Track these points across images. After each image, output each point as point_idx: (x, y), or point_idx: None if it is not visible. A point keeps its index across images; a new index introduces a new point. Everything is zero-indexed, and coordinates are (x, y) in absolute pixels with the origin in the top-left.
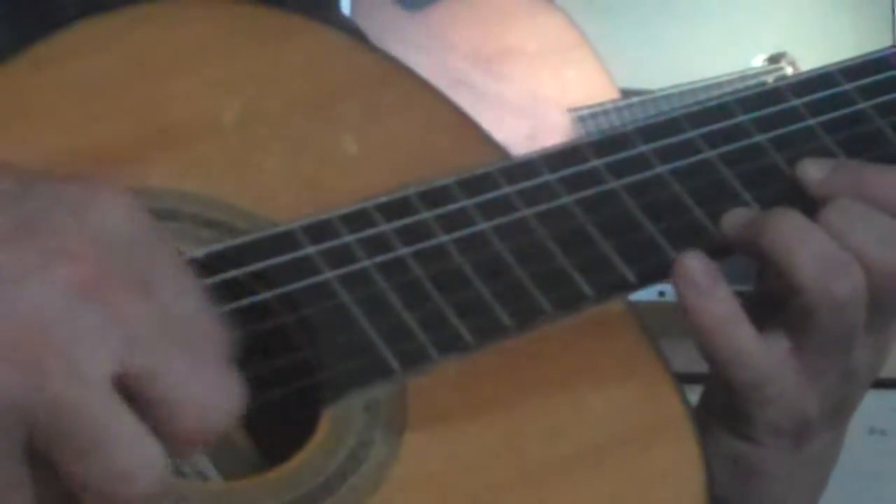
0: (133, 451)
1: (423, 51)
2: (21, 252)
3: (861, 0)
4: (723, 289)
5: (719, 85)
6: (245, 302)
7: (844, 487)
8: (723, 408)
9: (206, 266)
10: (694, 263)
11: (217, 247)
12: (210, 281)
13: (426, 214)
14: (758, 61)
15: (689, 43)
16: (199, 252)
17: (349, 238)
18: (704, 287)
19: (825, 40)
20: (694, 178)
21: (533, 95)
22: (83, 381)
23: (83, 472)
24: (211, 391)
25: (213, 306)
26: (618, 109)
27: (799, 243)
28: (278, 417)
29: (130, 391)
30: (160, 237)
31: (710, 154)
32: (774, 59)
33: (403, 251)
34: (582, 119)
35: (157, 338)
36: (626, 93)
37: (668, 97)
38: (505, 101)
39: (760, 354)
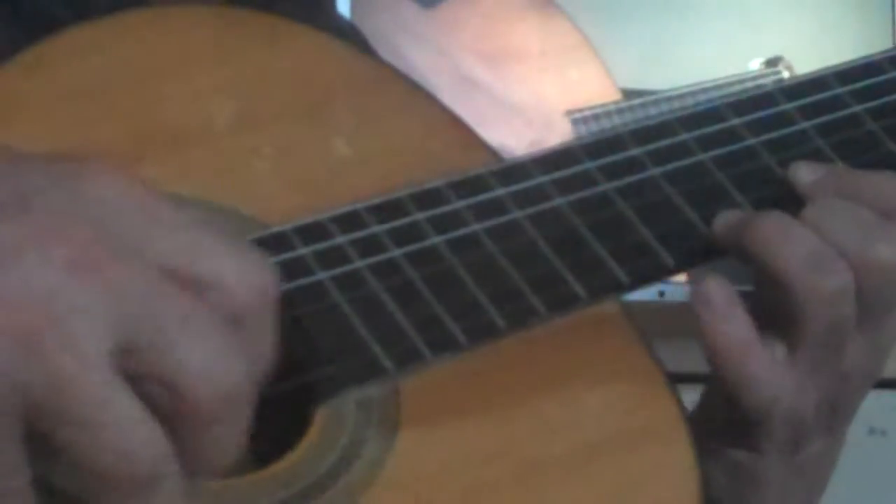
0: (131, 428)
1: (436, 49)
2: (16, 229)
3: (861, 3)
4: (740, 314)
5: (718, 87)
6: None
7: (844, 487)
8: (724, 421)
9: None
10: (713, 287)
11: None
12: None
13: (418, 216)
14: (755, 65)
15: (688, 44)
16: None
17: (341, 239)
18: (722, 311)
19: (825, 43)
20: (687, 181)
21: (542, 103)
22: (80, 356)
23: (80, 449)
24: (213, 354)
25: (228, 239)
26: (619, 111)
27: (783, 241)
28: (271, 417)
29: (133, 371)
30: (155, 202)
31: (703, 157)
32: (772, 62)
33: (396, 252)
34: (584, 120)
35: (154, 310)
36: (626, 93)
37: (668, 99)
38: (514, 105)
39: (773, 380)
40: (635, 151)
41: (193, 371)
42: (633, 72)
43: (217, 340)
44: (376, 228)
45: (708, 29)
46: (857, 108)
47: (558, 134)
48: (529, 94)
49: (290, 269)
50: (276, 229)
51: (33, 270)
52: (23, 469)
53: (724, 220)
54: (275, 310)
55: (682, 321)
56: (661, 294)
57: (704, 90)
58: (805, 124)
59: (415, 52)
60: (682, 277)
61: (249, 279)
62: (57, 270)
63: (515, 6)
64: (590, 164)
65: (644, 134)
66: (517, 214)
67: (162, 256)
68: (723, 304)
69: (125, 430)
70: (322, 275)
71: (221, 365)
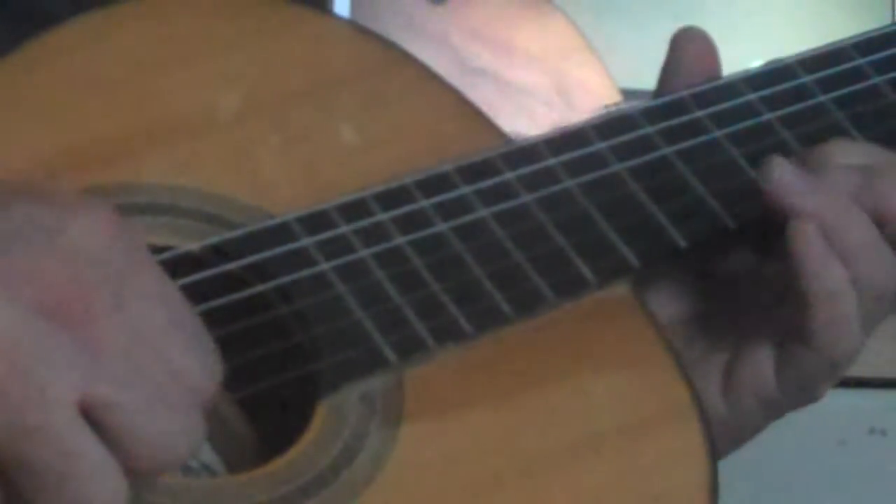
0: (97, 481)
1: (438, 41)
2: None
3: (861, 4)
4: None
5: None
6: (241, 295)
7: (844, 487)
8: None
9: (201, 259)
10: (784, 171)
11: (213, 240)
12: (205, 274)
13: (424, 202)
14: (755, 66)
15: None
16: (195, 245)
17: (345, 228)
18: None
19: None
20: (700, 158)
21: (560, 83)
22: (48, 407)
23: (46, 501)
24: (168, 431)
25: (202, 329)
26: None
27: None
28: (278, 409)
29: (91, 418)
30: (143, 260)
31: (716, 134)
32: (772, 64)
33: (401, 240)
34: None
35: (122, 367)
36: (626, 93)
37: None
38: (529, 89)
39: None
40: (648, 130)
41: (148, 441)
42: (633, 72)
43: (179, 417)
44: (381, 216)
45: (708, 29)
46: (878, 80)
47: (583, 113)
48: (544, 76)
49: (292, 260)
50: (278, 219)
51: (3, 318)
52: None
53: (782, 174)
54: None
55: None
56: None
57: None
58: (822, 97)
59: (417, 46)
60: None
61: (212, 366)
62: (27, 316)
63: (515, 7)
64: (601, 145)
65: (655, 112)
66: (525, 198)
67: (138, 322)
68: (801, 181)
69: (92, 483)
70: (325, 265)
71: (175, 441)
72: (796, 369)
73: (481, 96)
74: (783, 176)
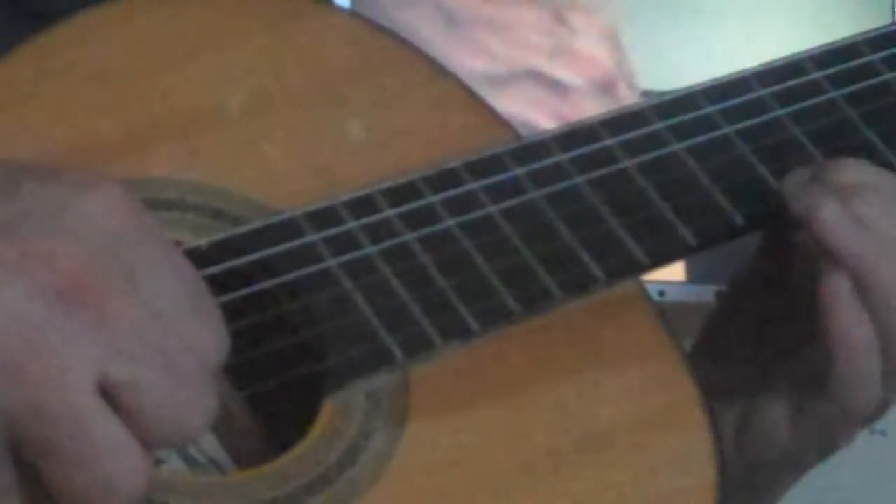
0: (117, 459)
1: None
2: (2, 256)
3: (861, 5)
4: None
5: None
6: (247, 291)
7: (844, 487)
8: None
9: (209, 256)
10: (832, 212)
11: (220, 236)
12: (212, 271)
13: (432, 199)
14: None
15: (688, 46)
16: (202, 241)
17: (353, 224)
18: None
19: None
20: (711, 155)
21: (556, 15)
22: (66, 387)
23: (66, 480)
24: (184, 404)
25: (209, 296)
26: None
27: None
28: (285, 405)
29: (108, 397)
30: (151, 232)
31: (728, 130)
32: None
33: (408, 236)
34: None
35: (137, 345)
36: None
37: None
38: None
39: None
40: (658, 126)
41: (166, 416)
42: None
43: (194, 390)
44: (389, 212)
45: (708, 31)
46: (890, 76)
47: (579, 43)
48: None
49: (299, 256)
50: (285, 215)
51: (18, 299)
52: (13, 491)
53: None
54: None
55: (682, 321)
56: (662, 294)
57: None
58: (834, 94)
59: (400, 11)
60: (681, 276)
61: (221, 335)
62: (41, 299)
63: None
64: (610, 141)
65: (667, 108)
66: (534, 194)
67: (151, 296)
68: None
69: (110, 461)
70: (332, 261)
71: (192, 413)
72: (812, 418)
73: (476, 33)
74: (831, 217)
